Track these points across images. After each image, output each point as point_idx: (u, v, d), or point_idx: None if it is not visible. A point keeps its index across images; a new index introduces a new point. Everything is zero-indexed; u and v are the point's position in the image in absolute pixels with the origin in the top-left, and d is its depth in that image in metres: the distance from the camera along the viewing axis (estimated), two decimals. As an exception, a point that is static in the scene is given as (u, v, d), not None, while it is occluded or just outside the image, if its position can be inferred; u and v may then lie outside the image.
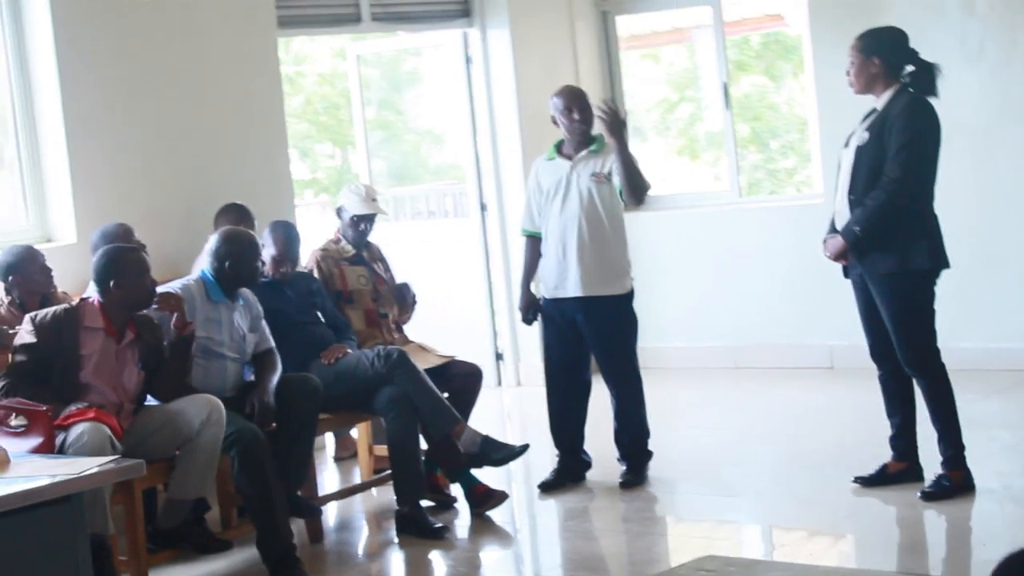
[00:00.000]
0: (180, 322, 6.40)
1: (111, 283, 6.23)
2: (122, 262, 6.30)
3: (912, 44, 6.83)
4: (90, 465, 5.05)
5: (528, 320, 7.76)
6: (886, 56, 6.76)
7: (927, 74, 6.76)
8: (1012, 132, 9.34)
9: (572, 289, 7.48)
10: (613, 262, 7.50)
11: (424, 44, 11.37)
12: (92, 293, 6.42)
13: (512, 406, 10.40)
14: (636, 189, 7.44)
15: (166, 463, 6.28)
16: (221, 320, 6.76)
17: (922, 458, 6.96)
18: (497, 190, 10.64)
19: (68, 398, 6.03)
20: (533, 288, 7.70)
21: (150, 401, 6.47)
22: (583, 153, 7.54)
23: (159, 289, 6.49)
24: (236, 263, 6.77)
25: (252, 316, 6.92)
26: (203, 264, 6.91)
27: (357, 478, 8.14)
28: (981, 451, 7.15)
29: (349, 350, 7.32)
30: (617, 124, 7.35)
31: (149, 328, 6.38)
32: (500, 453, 7.16)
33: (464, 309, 10.72)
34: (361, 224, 7.92)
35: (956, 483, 6.73)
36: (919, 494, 6.74)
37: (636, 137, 11.47)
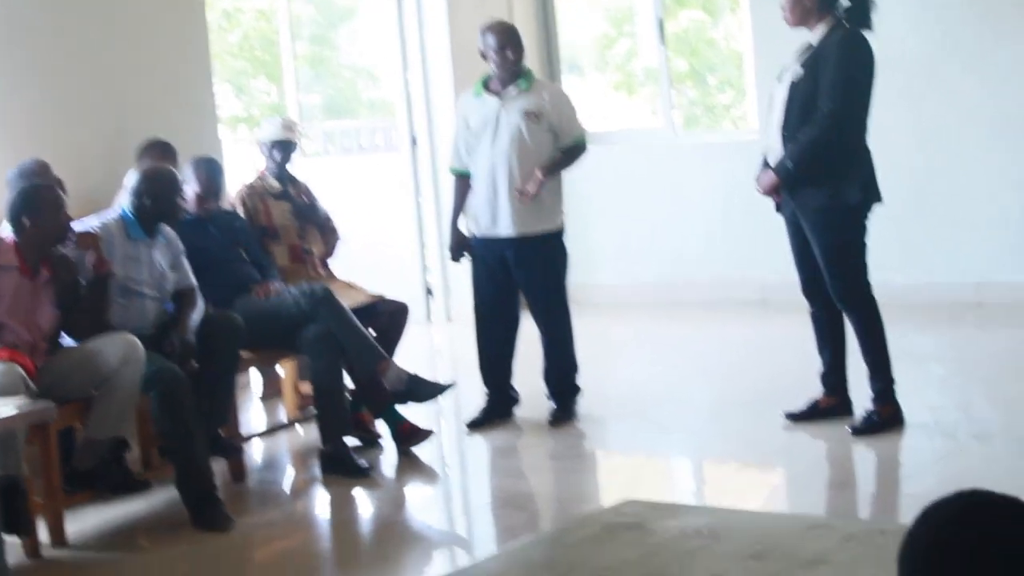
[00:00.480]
0: (97, 260, 6.26)
1: (25, 220, 6.08)
2: (36, 199, 6.15)
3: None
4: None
5: (456, 258, 7.65)
6: None
7: (862, 7, 6.66)
8: (948, 67, 9.27)
9: (503, 228, 7.37)
10: (544, 200, 7.37)
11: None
12: (6, 231, 6.27)
13: (442, 342, 10.31)
14: (577, 162, 7.55)
15: (83, 403, 6.14)
16: (140, 258, 6.61)
17: (852, 393, 6.91)
18: (428, 124, 10.50)
19: (-19, 338, 5.90)
20: (462, 226, 7.59)
21: (67, 341, 6.33)
22: (512, 91, 7.41)
23: (77, 226, 6.36)
24: (156, 200, 6.62)
25: (173, 254, 6.77)
26: (123, 201, 6.75)
27: (283, 416, 8.03)
28: (914, 385, 7.11)
29: (279, 287, 7.20)
30: (537, 191, 7.27)
31: (65, 266, 6.23)
32: (426, 390, 7.06)
33: (394, 244, 10.60)
34: (274, 151, 7.81)
35: (885, 418, 6.68)
36: (849, 429, 6.70)
37: (573, 73, 11.37)
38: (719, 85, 14.63)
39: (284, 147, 7.88)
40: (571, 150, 7.45)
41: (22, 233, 6.08)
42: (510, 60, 7.37)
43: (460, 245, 7.58)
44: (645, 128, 11.40)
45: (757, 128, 9.91)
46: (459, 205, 7.57)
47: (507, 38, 7.40)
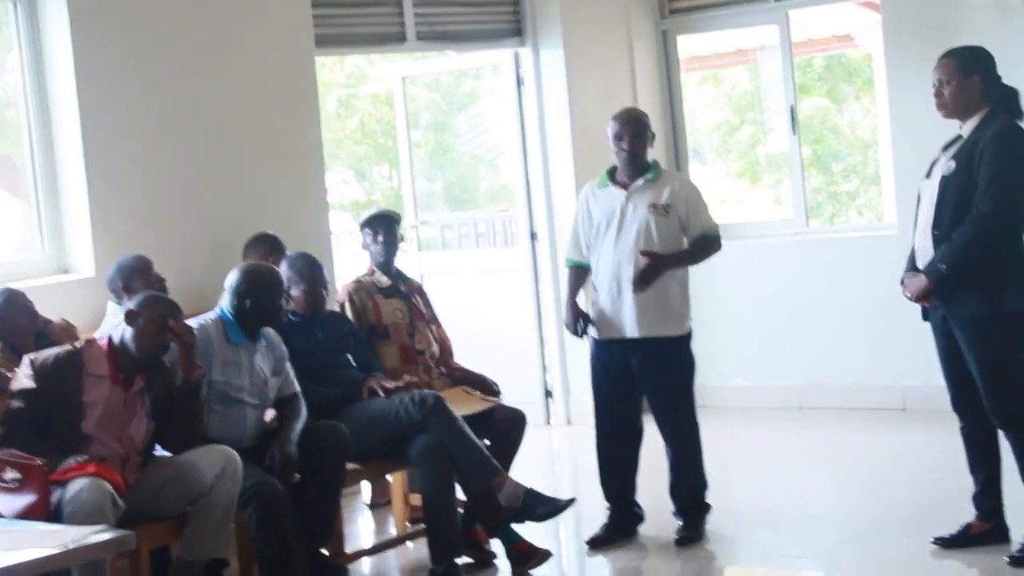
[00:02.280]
0: (188, 364, 5.86)
1: (140, 321, 5.73)
2: (152, 306, 5.80)
3: (992, 65, 6.28)
4: (79, 537, 4.51)
5: (578, 331, 7.08)
6: (985, 76, 6.16)
7: (1013, 97, 6.16)
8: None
9: (628, 330, 6.90)
10: (672, 301, 6.93)
11: (480, 64, 10.85)
12: (101, 334, 5.92)
13: (561, 447, 9.82)
14: (708, 258, 7.11)
15: (177, 520, 5.75)
16: (241, 363, 6.23)
17: (1009, 518, 6.34)
18: (548, 217, 10.08)
19: (68, 450, 5.52)
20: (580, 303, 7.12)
21: (160, 452, 5.93)
22: (639, 182, 6.97)
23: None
24: (258, 301, 6.25)
25: (275, 358, 6.38)
26: (223, 301, 6.37)
27: (392, 529, 7.58)
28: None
29: (385, 383, 6.79)
30: (651, 273, 6.81)
31: (161, 373, 5.85)
32: (544, 508, 6.58)
33: (512, 342, 10.16)
34: (377, 234, 7.42)
35: (1047, 548, 6.11)
36: (1006, 559, 6.13)
37: (696, 160, 10.96)
38: (843, 173, 14.26)
39: (386, 223, 7.49)
40: (700, 242, 6.98)
41: (124, 339, 5.73)
42: (625, 150, 6.94)
43: (579, 317, 7.05)
44: (774, 220, 10.91)
45: (895, 223, 9.40)
46: (575, 287, 7.13)
47: (624, 126, 6.98)
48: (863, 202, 14.10)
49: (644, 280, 6.80)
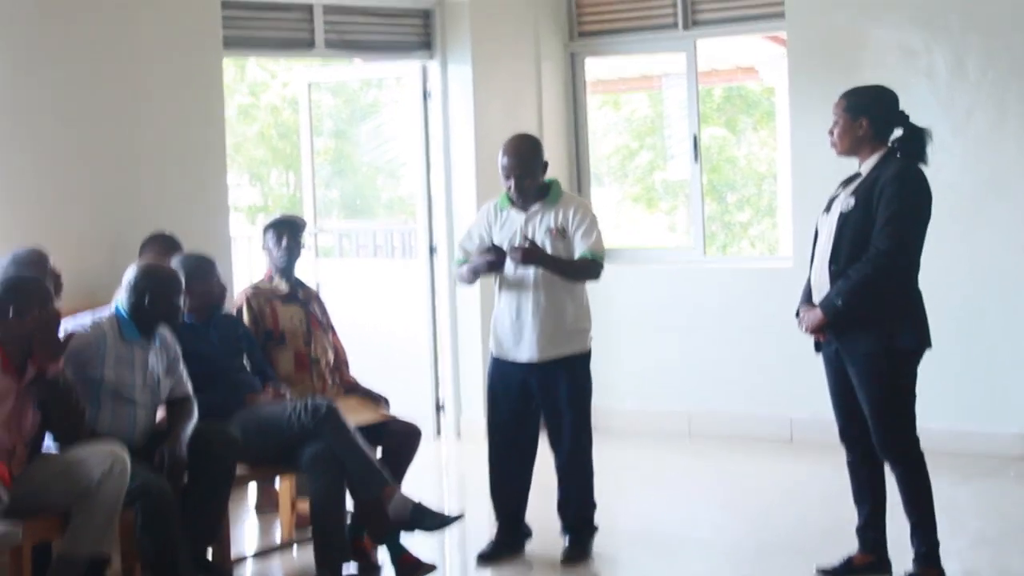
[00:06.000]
0: (43, 356, 5.68)
1: (10, 312, 5.63)
2: (23, 291, 5.70)
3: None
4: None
5: (493, 257, 6.88)
6: (875, 118, 6.24)
7: (917, 140, 6.24)
8: (997, 205, 8.84)
9: (526, 353, 6.92)
10: (571, 323, 6.93)
11: (384, 75, 10.85)
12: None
13: (450, 461, 9.82)
14: (584, 280, 6.97)
15: (61, 516, 5.67)
16: (134, 361, 6.16)
17: (891, 551, 6.41)
18: (448, 232, 10.07)
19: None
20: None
21: (48, 446, 5.85)
22: (536, 206, 6.96)
23: (68, 323, 5.91)
24: (154, 299, 6.18)
25: (169, 359, 6.32)
26: (118, 298, 6.31)
27: (277, 535, 7.53)
28: (949, 544, 6.57)
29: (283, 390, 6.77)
30: (529, 258, 6.80)
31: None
32: (432, 521, 6.57)
33: (406, 354, 10.14)
34: (282, 238, 7.37)
35: (928, 582, 6.19)
36: (886, 592, 6.22)
37: (594, 183, 11.00)
38: (738, 203, 14.39)
39: (291, 229, 7.44)
40: (581, 261, 6.91)
41: (7, 327, 5.63)
42: (511, 188, 6.93)
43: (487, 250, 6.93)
44: (671, 247, 10.99)
45: (791, 255, 9.49)
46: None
47: (511, 160, 6.93)
48: (756, 233, 14.24)
49: (523, 259, 6.77)
